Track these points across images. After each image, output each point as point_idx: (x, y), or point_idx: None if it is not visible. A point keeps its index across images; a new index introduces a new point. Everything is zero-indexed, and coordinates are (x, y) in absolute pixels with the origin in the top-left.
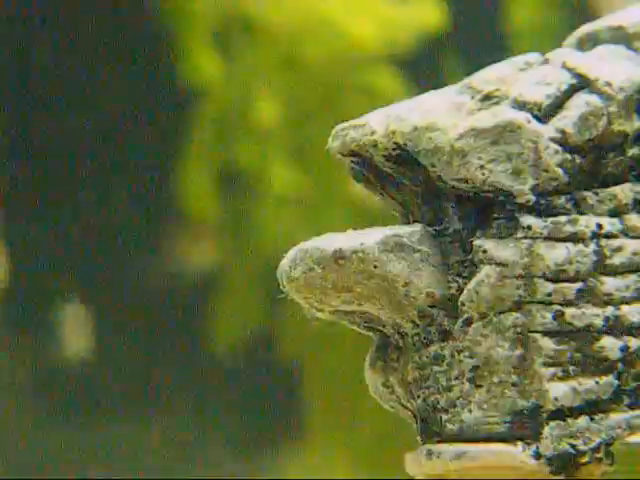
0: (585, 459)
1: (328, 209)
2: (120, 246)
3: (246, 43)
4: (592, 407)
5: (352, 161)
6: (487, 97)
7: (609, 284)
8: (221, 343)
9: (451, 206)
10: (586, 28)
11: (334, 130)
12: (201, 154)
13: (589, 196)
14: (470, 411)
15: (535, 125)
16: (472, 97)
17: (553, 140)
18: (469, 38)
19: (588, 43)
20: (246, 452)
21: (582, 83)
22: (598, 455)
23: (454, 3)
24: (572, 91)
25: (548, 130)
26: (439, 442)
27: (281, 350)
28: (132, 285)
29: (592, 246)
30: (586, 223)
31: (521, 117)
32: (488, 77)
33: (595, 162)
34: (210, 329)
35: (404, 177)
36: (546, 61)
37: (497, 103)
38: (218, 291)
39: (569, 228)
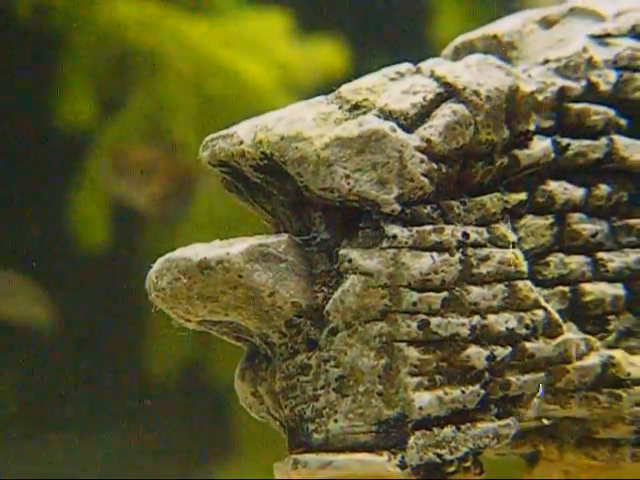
0: (452, 468)
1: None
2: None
3: (146, 79)
4: (458, 416)
5: (222, 171)
6: (355, 107)
7: (475, 293)
8: (156, 365)
9: (318, 216)
10: (462, 38)
11: (204, 140)
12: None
13: (456, 205)
14: (336, 421)
15: (400, 134)
16: (340, 107)
17: (418, 149)
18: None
19: (463, 52)
20: (180, 468)
21: (449, 92)
22: (465, 464)
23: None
24: (439, 100)
25: (413, 139)
26: (306, 452)
27: (214, 371)
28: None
29: (458, 255)
30: (452, 232)
31: (386, 126)
32: (358, 87)
33: (463, 171)
34: (145, 351)
35: (272, 187)
36: (418, 71)
37: (365, 113)
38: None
39: (434, 237)
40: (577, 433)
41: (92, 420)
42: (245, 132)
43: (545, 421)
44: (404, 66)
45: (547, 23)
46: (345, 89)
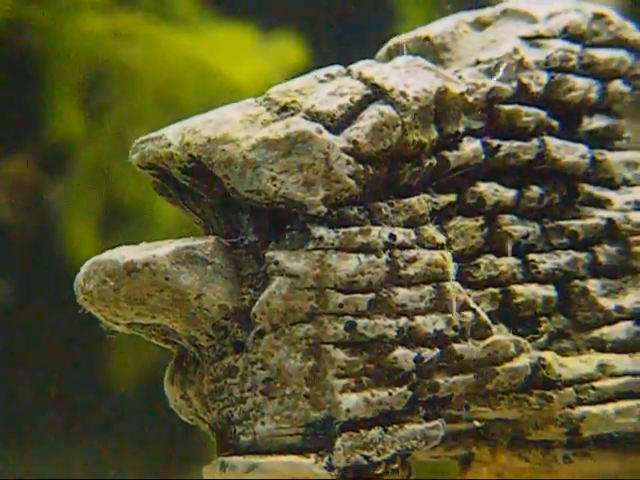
0: (379, 470)
1: None
2: None
3: (122, 88)
4: (386, 418)
5: (152, 174)
6: (284, 109)
7: (402, 295)
8: (117, 376)
9: (246, 218)
10: (395, 39)
11: (134, 143)
12: (81, 198)
13: (384, 207)
14: (263, 423)
15: (327, 136)
16: (269, 109)
17: (345, 151)
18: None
19: (396, 54)
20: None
21: (377, 94)
22: (393, 466)
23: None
24: (367, 102)
25: (340, 141)
26: (233, 454)
27: None
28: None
29: (385, 257)
30: (379, 234)
31: (312, 128)
32: (287, 89)
33: (390, 173)
34: (107, 364)
35: (200, 189)
36: (348, 73)
37: (293, 115)
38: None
39: (361, 239)
40: (509, 435)
41: (59, 432)
42: (173, 134)
43: (477, 423)
44: (335, 68)
45: (480, 24)
46: (274, 91)
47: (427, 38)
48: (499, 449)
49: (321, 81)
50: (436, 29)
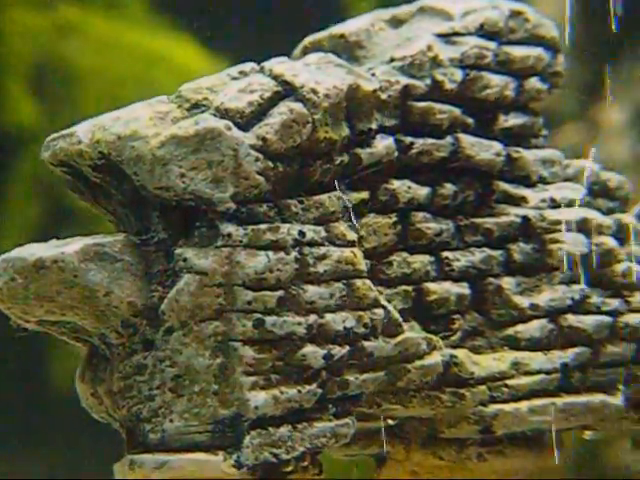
0: (289, 468)
1: None
2: None
3: (69, 85)
4: (295, 416)
5: (64, 171)
6: (195, 106)
7: (312, 292)
8: (59, 377)
9: (156, 215)
10: (311, 37)
11: (46, 140)
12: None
13: (293, 204)
14: (172, 421)
15: (236, 133)
16: (180, 106)
17: (254, 148)
18: None
19: (312, 52)
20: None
21: (287, 91)
22: (303, 464)
23: None
24: (277, 99)
25: (249, 138)
26: (142, 452)
27: None
28: None
29: (294, 254)
30: (288, 231)
31: (221, 125)
32: (198, 86)
33: (301, 170)
34: (47, 364)
35: (111, 187)
36: (261, 70)
37: (203, 112)
38: None
39: (270, 236)
40: (423, 433)
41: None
42: (84, 132)
43: (390, 421)
44: (249, 65)
45: (397, 22)
46: (185, 88)
47: (342, 36)
48: (413, 447)
49: (233, 78)
50: (351, 27)
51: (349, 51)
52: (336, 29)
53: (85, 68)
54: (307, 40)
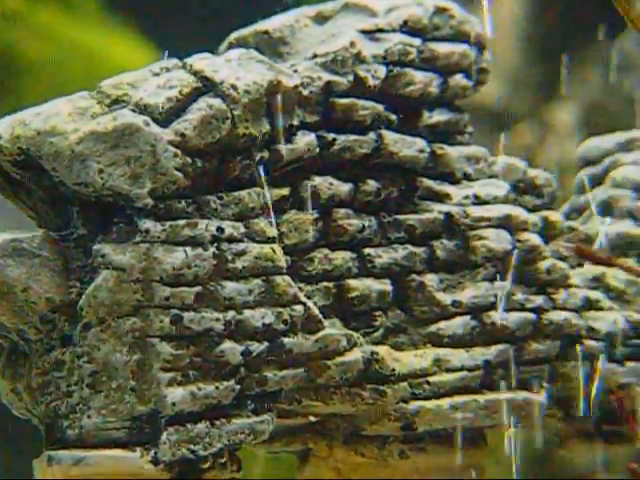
0: (206, 464)
1: None
2: None
3: (13, 75)
4: (213, 412)
5: None
6: (115, 101)
7: (230, 288)
8: None
9: (75, 211)
10: (236, 34)
11: None
12: None
13: (212, 200)
14: (89, 417)
15: (154, 128)
16: (100, 102)
17: (172, 143)
18: None
19: (237, 48)
20: None
21: (207, 86)
22: (221, 460)
23: None
24: (196, 94)
25: (167, 133)
26: (60, 448)
27: None
28: None
29: (212, 250)
30: (206, 227)
31: (140, 120)
32: (119, 82)
33: (220, 166)
34: None
35: (31, 182)
36: (183, 66)
37: (123, 107)
38: None
39: (188, 232)
40: (345, 430)
41: None
42: (4, 127)
43: (312, 418)
44: (172, 61)
45: (321, 18)
46: (106, 84)
47: (266, 32)
48: (336, 444)
49: (155, 74)
50: (275, 23)
51: (273, 47)
52: (260, 25)
53: (30, 59)
54: (232, 36)
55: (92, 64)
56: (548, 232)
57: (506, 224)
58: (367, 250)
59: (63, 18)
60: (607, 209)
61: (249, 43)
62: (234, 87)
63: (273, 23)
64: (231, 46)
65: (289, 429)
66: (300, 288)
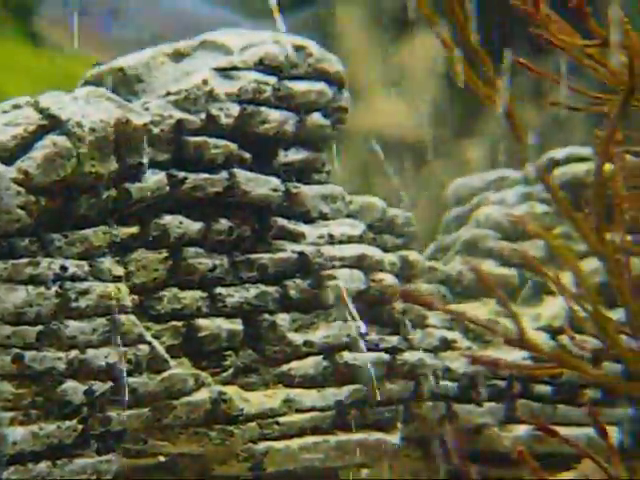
0: None
1: None
2: None
3: None
4: (55, 452)
5: None
6: None
7: (73, 327)
8: None
9: None
10: (93, 71)
11: None
12: None
13: (57, 238)
14: None
15: None
16: None
17: (16, 181)
18: None
19: (93, 85)
20: None
21: (53, 124)
22: None
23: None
24: (42, 132)
25: (11, 171)
26: None
27: None
28: None
29: (55, 289)
30: (49, 265)
31: None
32: None
33: (66, 204)
34: None
35: None
36: (33, 103)
37: None
38: None
39: (30, 270)
40: (195, 470)
41: None
42: None
43: (162, 458)
44: (24, 99)
45: (179, 56)
46: None
47: (121, 69)
48: None
49: (4, 111)
50: (131, 60)
51: (128, 85)
52: (117, 62)
53: None
54: (89, 73)
55: None
56: (408, 272)
57: (360, 264)
58: (218, 289)
59: None
60: (470, 249)
61: (105, 80)
62: (80, 125)
63: (129, 60)
64: (87, 83)
65: (139, 469)
66: (148, 327)
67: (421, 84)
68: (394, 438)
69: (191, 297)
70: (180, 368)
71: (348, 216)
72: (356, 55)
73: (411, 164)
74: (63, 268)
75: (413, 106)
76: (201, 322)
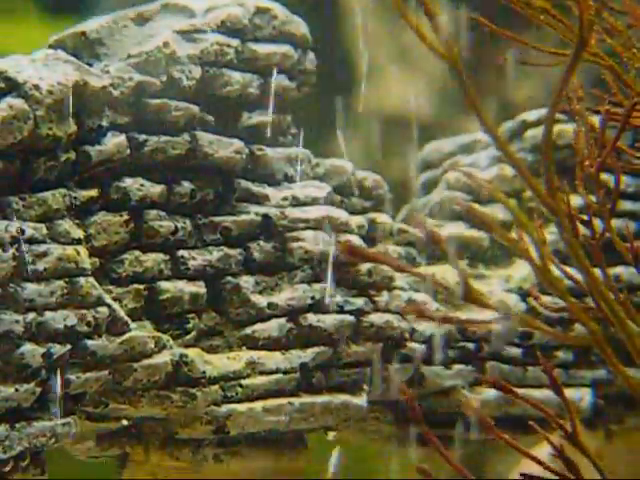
0: (7, 467)
1: None
2: None
3: None
4: (13, 415)
5: None
6: None
7: (31, 290)
8: None
9: None
10: (56, 36)
11: None
12: None
13: (15, 201)
14: None
15: None
16: None
17: None
18: None
19: (59, 49)
20: None
21: (10, 87)
22: (23, 464)
23: None
24: None
25: None
26: None
27: None
28: None
29: (12, 251)
30: (5, 228)
31: None
32: None
33: (23, 167)
34: None
35: None
36: None
37: None
38: None
39: None
40: (160, 434)
41: None
42: None
43: (125, 422)
44: None
45: (142, 19)
46: None
47: (83, 33)
48: (151, 448)
49: None
50: (93, 25)
51: (90, 49)
52: (79, 27)
53: None
54: (52, 38)
55: None
56: (376, 234)
57: (325, 225)
58: (180, 252)
59: None
60: (441, 211)
61: (67, 45)
62: (37, 87)
63: (90, 25)
64: (50, 47)
65: (104, 433)
66: (110, 290)
67: (428, 62)
68: (360, 400)
69: (153, 260)
70: (140, 330)
71: (314, 179)
72: (363, 34)
73: (419, 142)
74: (20, 231)
75: (420, 84)
76: (163, 285)
